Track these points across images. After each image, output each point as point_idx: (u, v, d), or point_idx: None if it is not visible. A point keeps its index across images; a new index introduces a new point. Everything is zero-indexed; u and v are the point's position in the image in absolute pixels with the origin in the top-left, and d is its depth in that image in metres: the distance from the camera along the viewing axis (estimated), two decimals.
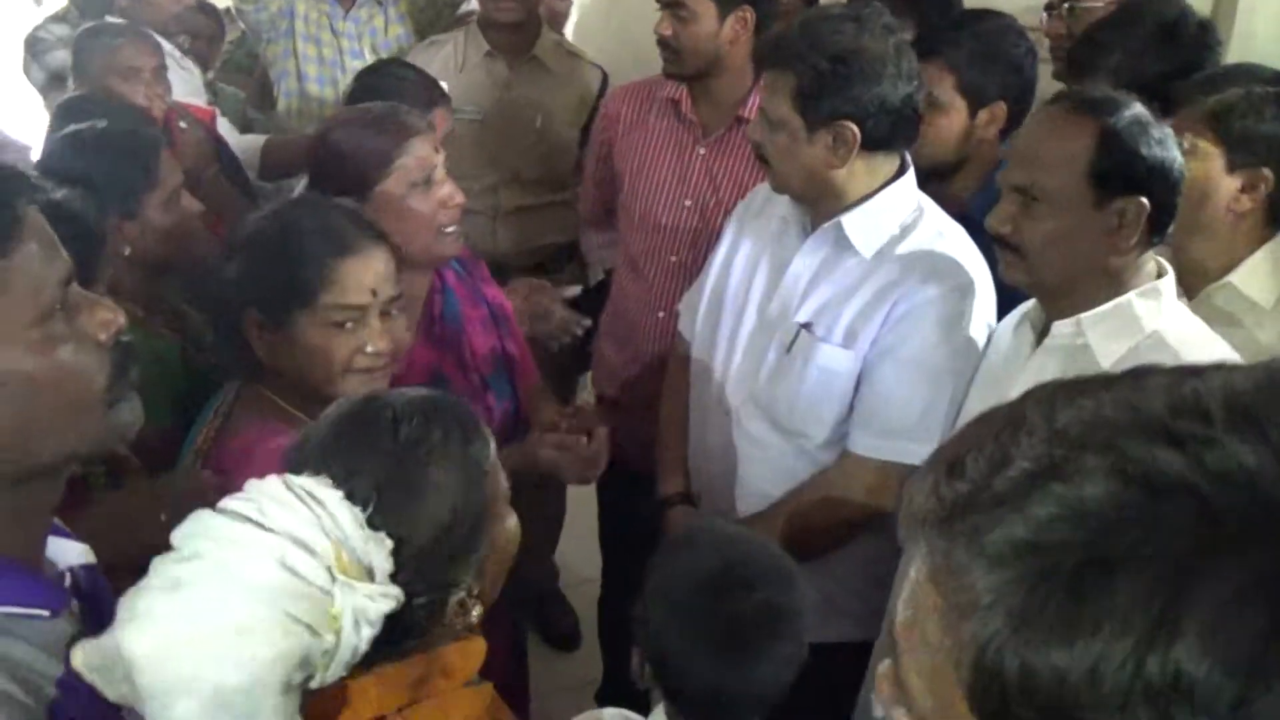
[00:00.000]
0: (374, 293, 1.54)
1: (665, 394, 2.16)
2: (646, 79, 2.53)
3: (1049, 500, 0.50)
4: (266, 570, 0.94)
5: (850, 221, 1.80)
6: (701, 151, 2.38)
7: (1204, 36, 2.17)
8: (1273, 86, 1.79)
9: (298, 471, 1.04)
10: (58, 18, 3.55)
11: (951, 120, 2.14)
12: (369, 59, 2.96)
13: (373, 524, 1.01)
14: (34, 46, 3.43)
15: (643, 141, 2.46)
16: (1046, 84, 2.30)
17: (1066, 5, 2.56)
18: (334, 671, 0.99)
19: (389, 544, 1.02)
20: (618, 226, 2.63)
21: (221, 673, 0.91)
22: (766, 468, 1.90)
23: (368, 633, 0.98)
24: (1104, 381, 0.57)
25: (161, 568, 0.95)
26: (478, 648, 1.15)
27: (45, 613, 0.96)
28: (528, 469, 1.81)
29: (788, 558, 1.42)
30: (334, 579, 0.96)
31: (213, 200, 2.36)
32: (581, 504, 2.99)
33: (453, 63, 2.90)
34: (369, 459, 1.06)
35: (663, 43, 2.31)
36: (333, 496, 1.00)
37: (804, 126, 1.74)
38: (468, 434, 1.13)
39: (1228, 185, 1.77)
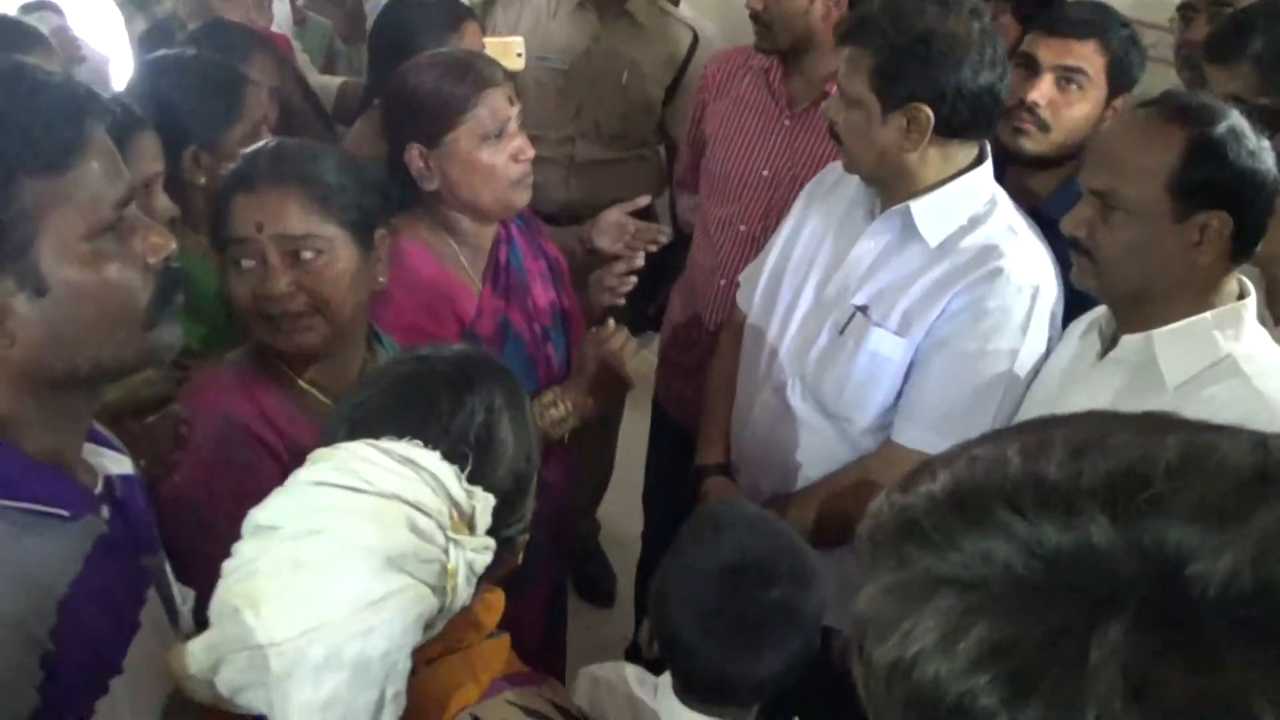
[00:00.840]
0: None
1: (715, 364, 2.15)
2: (744, 46, 2.50)
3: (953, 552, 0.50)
4: (395, 537, 0.94)
5: (919, 208, 1.76)
6: (786, 123, 2.35)
7: None
8: None
9: (356, 434, 1.04)
10: None
11: (1089, 103, 2.03)
12: None
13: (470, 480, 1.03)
14: None
15: (731, 108, 2.44)
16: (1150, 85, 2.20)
17: (1211, 9, 2.37)
18: (440, 626, 1.02)
19: (491, 498, 1.04)
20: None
21: (367, 645, 0.92)
22: (808, 448, 1.89)
23: (472, 587, 1.01)
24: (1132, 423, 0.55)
25: (271, 548, 0.94)
26: (499, 600, 1.18)
27: (65, 512, 1.00)
28: (585, 391, 1.89)
29: (809, 553, 1.40)
30: (448, 538, 0.98)
31: (297, 127, 2.39)
32: (631, 464, 3.00)
33: (545, 10, 2.90)
34: (445, 420, 1.08)
35: (754, 15, 2.28)
36: (430, 457, 1.01)
37: (879, 106, 1.71)
38: (514, 385, 1.16)
39: None
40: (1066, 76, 2.00)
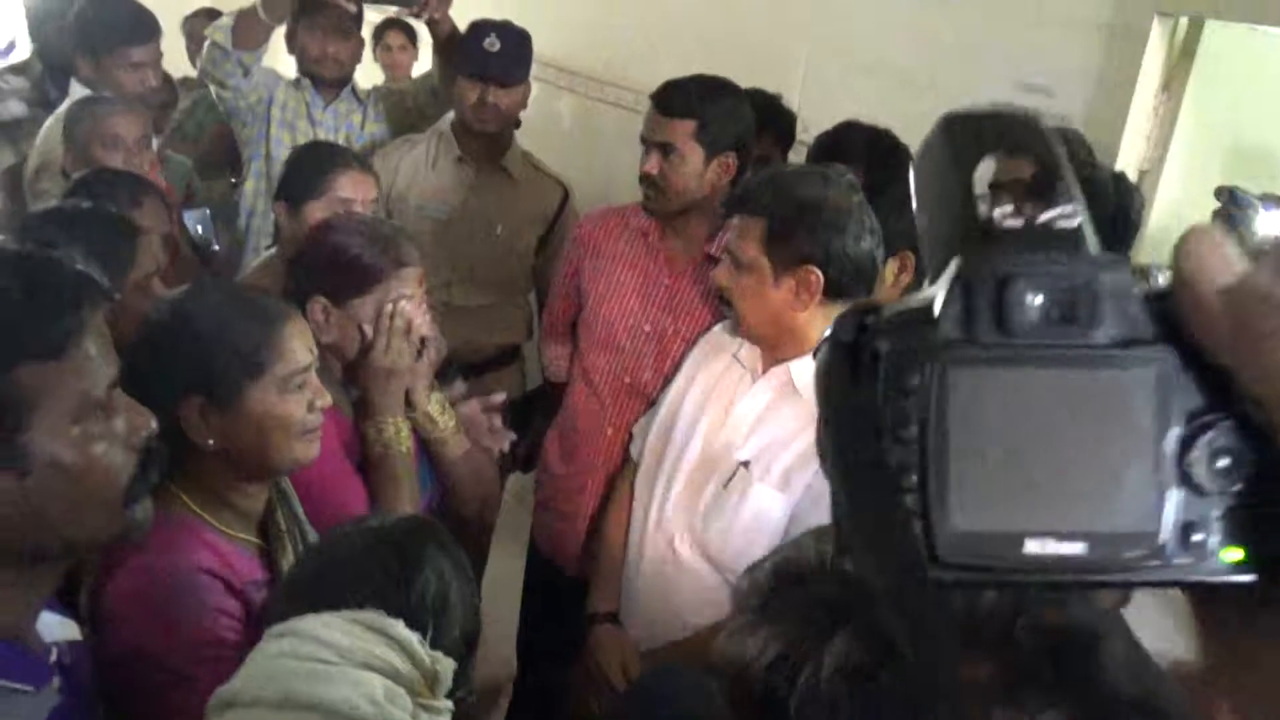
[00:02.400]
0: (310, 350, 1.61)
1: (609, 513, 2.23)
2: (619, 206, 2.62)
3: None
4: (370, 707, 0.96)
5: (799, 368, 1.91)
6: (666, 282, 2.46)
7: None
8: None
9: (316, 605, 1.07)
10: (17, 69, 3.58)
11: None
12: None
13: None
14: None
15: (610, 265, 2.54)
16: None
17: None
18: None
19: (452, 662, 1.08)
20: (573, 342, 2.71)
21: None
22: (695, 597, 1.97)
23: None
24: None
25: (242, 716, 0.95)
26: None
27: (30, 688, 1.00)
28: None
29: None
30: (417, 704, 1.01)
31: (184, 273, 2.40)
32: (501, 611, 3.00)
33: (424, 162, 3.00)
34: (404, 589, 1.12)
35: (647, 180, 2.36)
36: (396, 626, 1.04)
37: (771, 269, 1.85)
38: (458, 551, 1.21)
39: None
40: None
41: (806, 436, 1.88)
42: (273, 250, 2.54)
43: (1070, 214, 0.44)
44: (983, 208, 0.45)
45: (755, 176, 1.93)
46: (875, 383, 0.44)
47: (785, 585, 0.85)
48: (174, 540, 1.43)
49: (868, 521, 0.44)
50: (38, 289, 0.97)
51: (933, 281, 0.45)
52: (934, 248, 0.47)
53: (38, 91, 3.50)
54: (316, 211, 2.23)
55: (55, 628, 1.12)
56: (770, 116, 2.79)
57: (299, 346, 1.57)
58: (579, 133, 3.80)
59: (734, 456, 1.94)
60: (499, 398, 2.32)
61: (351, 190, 2.36)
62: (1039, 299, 0.43)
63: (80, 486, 0.99)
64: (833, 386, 0.45)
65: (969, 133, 0.47)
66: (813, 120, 3.04)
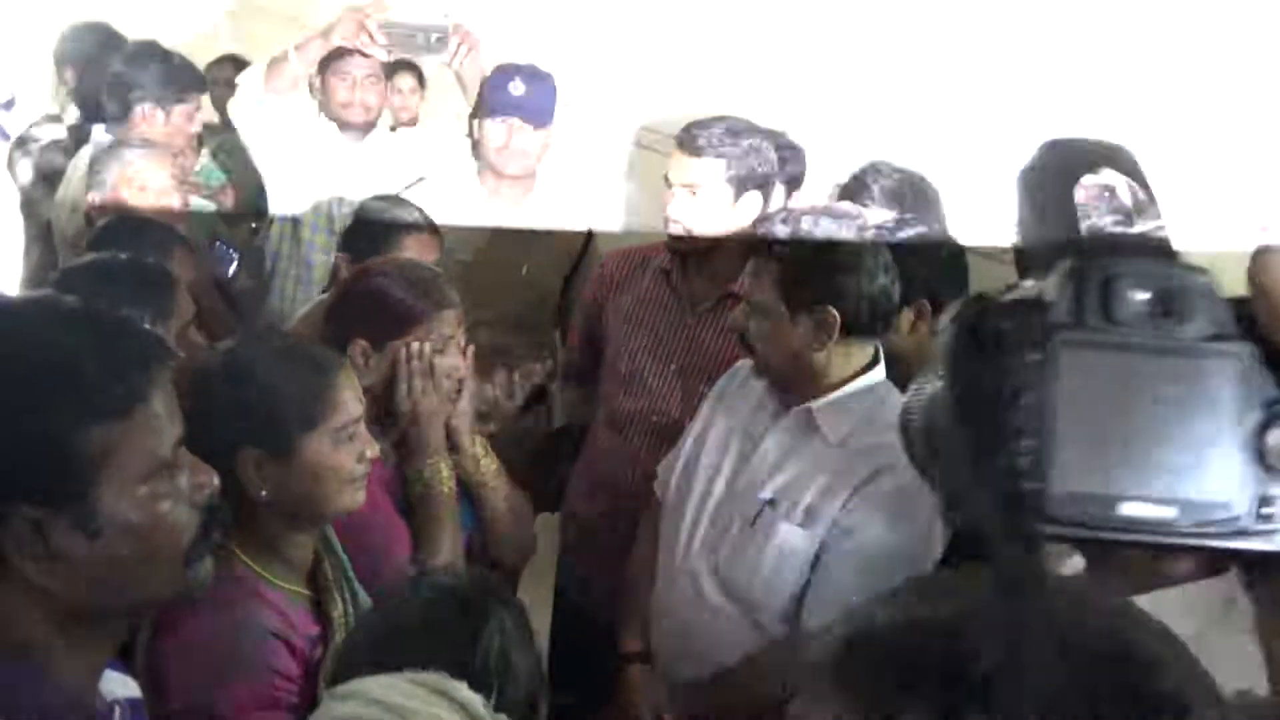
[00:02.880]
0: (360, 401, 1.63)
1: (635, 552, 2.23)
2: (641, 245, 2.65)
3: None
4: None
5: (819, 408, 1.91)
6: (690, 321, 2.49)
7: None
8: None
9: (381, 666, 1.07)
10: (52, 118, 3.63)
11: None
12: None
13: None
14: (25, 145, 3.49)
15: (635, 305, 2.57)
16: None
17: None
18: None
19: None
20: (595, 383, 2.72)
21: None
22: (721, 635, 1.97)
23: None
24: None
25: None
26: None
27: None
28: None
29: None
30: None
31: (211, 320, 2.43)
32: None
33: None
34: (466, 648, 1.13)
35: (674, 220, 2.39)
36: (459, 688, 1.04)
37: (787, 311, 1.86)
38: (519, 606, 1.22)
39: None
40: None
41: (830, 473, 1.90)
42: (323, 297, 2.56)
43: (1161, 226, 0.54)
44: (1089, 216, 0.54)
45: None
46: (996, 357, 0.52)
47: (857, 651, 0.82)
48: (233, 597, 1.44)
49: (982, 479, 0.53)
50: (108, 348, 0.98)
51: (1037, 278, 0.54)
52: (1039, 249, 0.56)
53: (75, 141, 3.52)
54: None
55: (116, 685, 1.12)
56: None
57: (350, 398, 1.59)
58: (601, 173, 3.83)
59: (758, 495, 1.94)
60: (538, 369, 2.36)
61: (417, 252, 2.39)
62: (1141, 295, 0.51)
63: (147, 546, 1.00)
64: (959, 361, 0.55)
65: (1072, 153, 0.56)
66: (840, 162, 3.06)
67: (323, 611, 1.57)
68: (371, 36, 2.90)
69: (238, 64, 3.57)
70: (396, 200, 2.76)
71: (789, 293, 1.86)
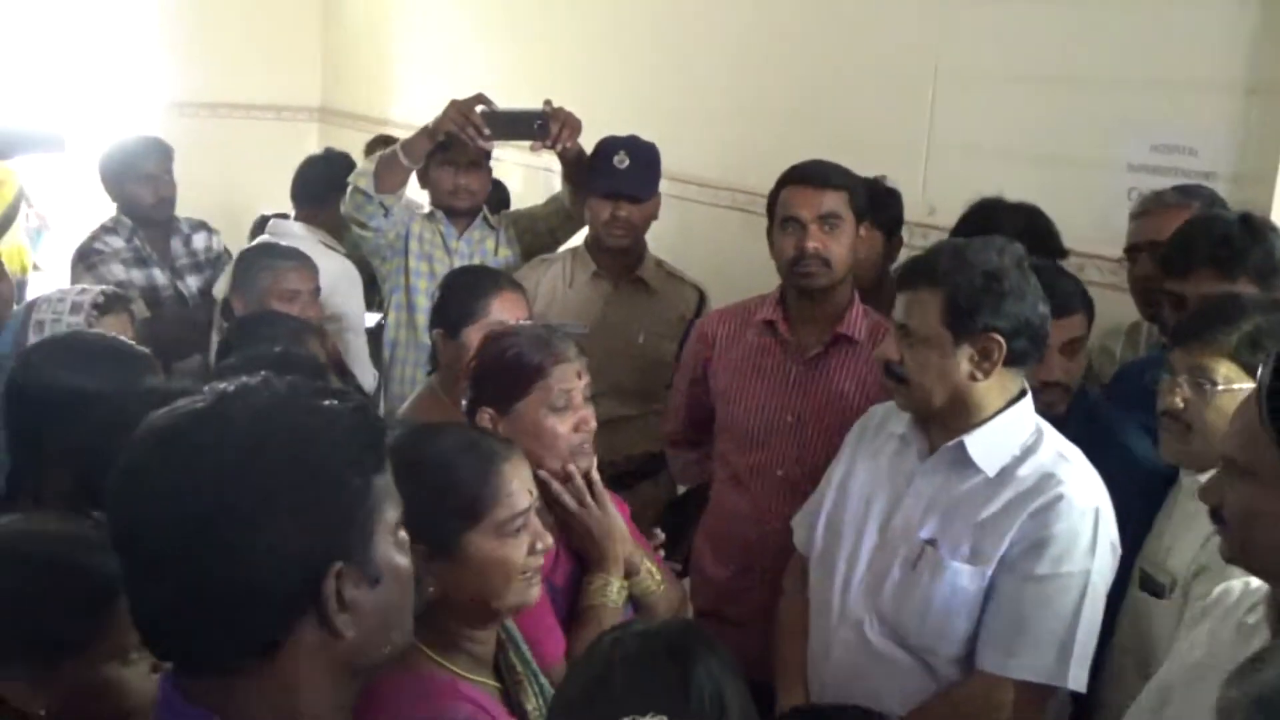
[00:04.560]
0: (530, 492, 1.57)
1: (784, 607, 2.18)
2: (740, 302, 2.65)
3: None
4: None
5: (973, 441, 1.87)
6: (798, 370, 2.47)
7: None
8: None
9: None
10: (108, 228, 3.65)
11: None
12: None
13: None
14: (88, 258, 3.55)
15: (741, 361, 2.54)
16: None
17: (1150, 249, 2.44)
18: None
19: None
20: (705, 444, 2.70)
21: None
22: (892, 683, 1.91)
23: None
24: None
25: None
26: None
27: None
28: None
29: None
30: None
31: None
32: None
33: (561, 281, 3.08)
34: (682, 693, 1.14)
35: (814, 255, 2.36)
36: None
37: (952, 340, 1.85)
38: (721, 648, 1.23)
39: None
40: None
41: (992, 507, 1.85)
42: (432, 378, 2.61)
43: None
44: None
45: (931, 250, 1.96)
46: None
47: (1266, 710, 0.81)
48: (429, 693, 1.41)
49: None
50: (363, 409, 1.04)
51: None
52: None
53: (133, 251, 3.63)
54: (473, 335, 2.28)
55: None
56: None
57: (518, 489, 1.53)
58: (704, 238, 3.87)
59: (917, 536, 1.90)
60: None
61: (505, 311, 2.43)
62: None
63: (406, 590, 1.05)
64: None
65: None
66: (940, 204, 3.06)
67: (513, 703, 1.54)
68: (478, 127, 2.98)
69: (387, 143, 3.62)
70: (479, 269, 2.82)
71: (954, 323, 1.85)
